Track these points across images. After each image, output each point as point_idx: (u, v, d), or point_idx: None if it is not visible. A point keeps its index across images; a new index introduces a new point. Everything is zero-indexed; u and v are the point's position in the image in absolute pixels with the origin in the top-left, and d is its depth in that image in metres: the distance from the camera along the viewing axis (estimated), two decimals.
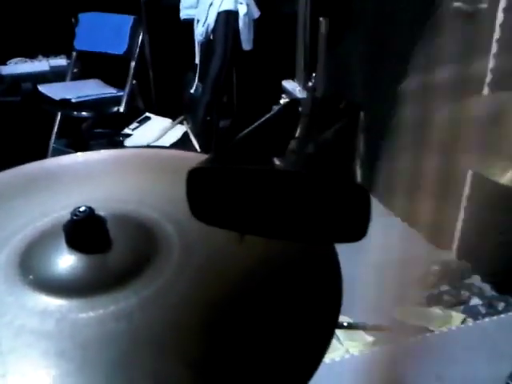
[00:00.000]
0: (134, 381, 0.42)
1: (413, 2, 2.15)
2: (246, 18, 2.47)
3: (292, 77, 2.66)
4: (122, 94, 2.75)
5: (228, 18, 2.43)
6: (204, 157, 0.52)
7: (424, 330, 1.80)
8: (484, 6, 1.78)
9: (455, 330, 1.55)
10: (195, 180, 0.44)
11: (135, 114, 2.72)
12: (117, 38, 2.90)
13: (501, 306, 1.86)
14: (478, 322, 1.67)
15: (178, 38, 2.79)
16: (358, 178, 0.46)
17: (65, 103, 2.54)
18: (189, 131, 2.60)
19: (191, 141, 2.56)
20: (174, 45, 2.85)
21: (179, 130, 2.62)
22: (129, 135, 2.56)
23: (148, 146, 2.43)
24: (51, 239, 0.52)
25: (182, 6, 2.69)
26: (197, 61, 2.60)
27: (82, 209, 0.49)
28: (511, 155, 0.66)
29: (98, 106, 2.64)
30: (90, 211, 0.50)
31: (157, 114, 2.74)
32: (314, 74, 1.82)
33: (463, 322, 1.82)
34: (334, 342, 1.71)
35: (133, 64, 2.86)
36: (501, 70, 1.77)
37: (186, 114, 2.70)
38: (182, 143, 2.55)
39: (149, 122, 2.67)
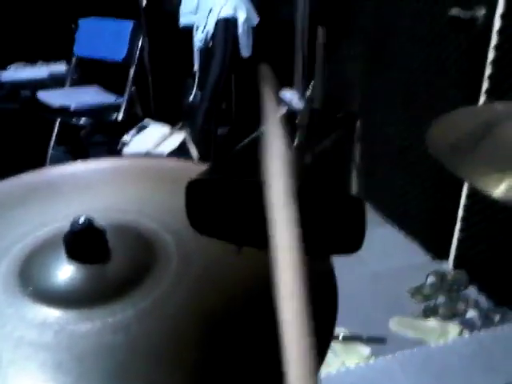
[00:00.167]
0: None
1: (410, 11, 2.16)
2: (245, 24, 2.48)
3: (290, 85, 2.67)
4: (120, 100, 2.76)
5: (227, 25, 2.44)
6: (203, 166, 0.52)
7: (421, 342, 1.80)
8: (481, 12, 1.79)
9: (452, 343, 1.55)
10: (194, 192, 0.45)
11: (134, 121, 2.73)
12: (116, 44, 2.90)
13: (497, 318, 1.86)
14: (474, 334, 1.67)
15: (177, 45, 2.80)
16: (355, 188, 0.46)
17: (64, 110, 2.54)
18: (187, 138, 2.61)
19: (190, 148, 2.56)
20: (173, 51, 2.86)
21: (178, 137, 2.62)
22: (127, 142, 2.57)
23: (147, 154, 2.44)
24: (51, 249, 0.52)
25: (181, 12, 2.70)
26: (196, 68, 2.61)
27: (81, 219, 0.49)
28: (504, 167, 0.66)
29: (96, 113, 2.64)
30: (90, 222, 0.50)
31: (155, 120, 2.75)
32: (311, 83, 1.82)
33: (460, 334, 1.82)
34: (329, 354, 1.70)
35: (132, 70, 2.87)
36: (498, 77, 1.77)
37: (184, 120, 2.70)
38: (181, 150, 2.55)
39: (147, 129, 2.67)
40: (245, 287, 0.52)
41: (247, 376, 0.45)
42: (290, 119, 0.67)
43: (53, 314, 0.46)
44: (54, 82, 2.98)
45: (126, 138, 2.61)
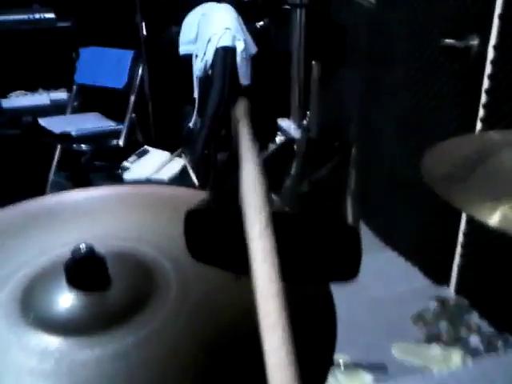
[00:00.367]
0: None
1: (405, 40, 2.19)
2: (244, 53, 2.52)
3: (287, 115, 2.70)
4: (121, 127, 2.78)
5: (226, 54, 2.48)
6: (202, 194, 0.53)
7: (423, 369, 1.78)
8: (475, 42, 1.82)
9: (455, 370, 1.53)
10: (193, 221, 0.45)
11: (134, 147, 2.75)
12: (117, 72, 2.95)
13: (500, 343, 1.84)
14: (477, 361, 1.66)
15: (176, 73, 2.84)
16: (350, 215, 0.47)
17: (65, 136, 2.57)
18: (187, 164, 2.62)
19: (189, 174, 2.58)
20: (173, 79, 2.90)
21: (177, 164, 2.64)
22: (128, 168, 2.58)
23: (147, 180, 2.45)
24: (51, 277, 0.52)
25: (180, 41, 2.74)
26: (195, 95, 2.64)
27: (82, 248, 0.50)
28: (499, 196, 0.67)
29: (97, 139, 2.67)
30: (91, 250, 0.50)
31: (155, 147, 2.77)
32: (308, 113, 1.84)
33: (462, 360, 1.80)
34: (332, 381, 1.68)
35: (132, 98, 2.90)
36: (493, 106, 1.80)
37: (184, 147, 2.72)
38: (180, 176, 2.57)
39: (147, 155, 2.69)
40: (243, 315, 0.53)
41: None
42: (287, 148, 0.68)
43: (53, 341, 0.46)
44: (55, 108, 3.01)
45: (126, 163, 2.63)
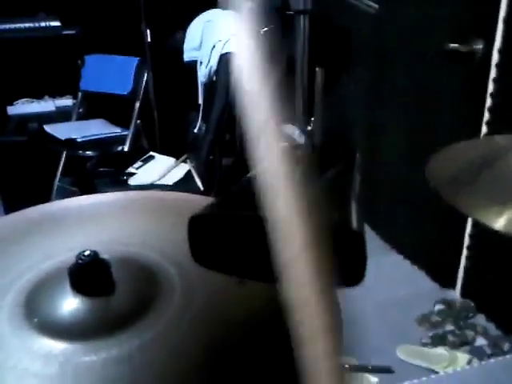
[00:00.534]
0: None
1: (409, 44, 2.19)
2: None
3: (291, 120, 2.71)
4: (126, 133, 2.80)
5: (230, 60, 2.49)
6: (206, 199, 0.53)
7: (429, 372, 1.77)
8: (480, 46, 1.82)
9: (461, 372, 1.53)
10: (196, 226, 0.46)
11: (139, 153, 2.76)
12: (122, 79, 2.96)
13: (506, 346, 1.83)
14: (483, 363, 1.65)
15: (181, 79, 2.86)
16: (355, 221, 0.47)
17: (70, 143, 2.58)
18: (192, 170, 2.63)
19: (194, 179, 2.58)
20: (178, 85, 2.91)
21: (182, 169, 2.65)
22: (133, 174, 2.59)
23: (152, 185, 2.46)
24: (56, 282, 0.52)
25: (185, 48, 2.76)
26: (200, 101, 2.65)
27: (86, 253, 0.50)
28: (505, 200, 0.67)
29: (102, 145, 2.68)
30: (95, 255, 0.51)
31: (161, 153, 2.78)
32: (312, 119, 1.84)
33: (469, 362, 1.79)
34: None
35: (137, 104, 2.91)
36: (498, 110, 1.79)
37: (189, 153, 2.73)
38: (186, 182, 2.57)
39: (153, 161, 2.70)
40: (246, 318, 0.53)
41: None
42: (292, 154, 0.69)
43: (58, 345, 0.47)
44: (61, 115, 3.03)
45: (131, 169, 2.64)
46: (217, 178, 2.64)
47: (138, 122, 2.89)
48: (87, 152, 2.64)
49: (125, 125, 2.85)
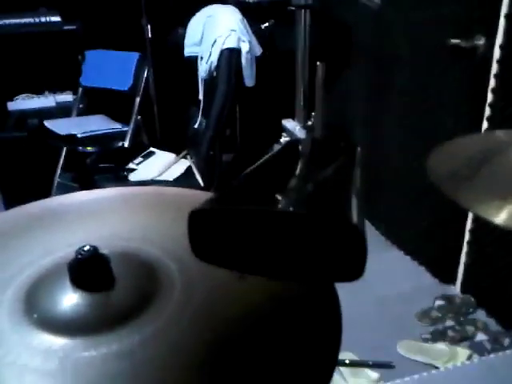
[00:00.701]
0: None
1: (411, 40, 2.19)
2: (249, 55, 2.52)
3: (292, 116, 2.70)
4: (126, 129, 2.79)
5: (231, 56, 2.48)
6: (206, 194, 0.53)
7: (430, 367, 1.78)
8: (482, 42, 1.81)
9: (461, 367, 1.53)
10: (196, 221, 0.46)
11: (140, 149, 2.76)
12: (122, 75, 2.95)
13: (506, 341, 1.83)
14: (483, 358, 1.65)
15: (182, 75, 2.85)
16: (355, 215, 0.46)
17: (70, 138, 2.58)
18: (192, 166, 2.63)
19: (195, 175, 2.58)
20: (178, 81, 2.91)
21: (183, 165, 2.65)
22: (133, 170, 2.59)
23: (152, 181, 2.46)
24: (56, 278, 0.52)
25: (186, 43, 2.75)
26: (200, 97, 2.65)
27: (86, 248, 0.50)
28: (505, 194, 0.67)
29: (102, 141, 2.67)
30: (94, 250, 0.51)
31: (161, 148, 2.78)
32: (313, 113, 1.84)
33: (469, 357, 1.80)
34: (338, 379, 1.68)
35: (137, 100, 2.91)
36: (499, 105, 1.79)
37: (189, 148, 2.73)
38: (186, 177, 2.57)
39: (153, 157, 2.70)
40: (247, 314, 0.53)
41: None
42: (294, 147, 0.68)
43: (57, 341, 0.47)
44: (61, 111, 3.03)
45: (131, 165, 2.64)
46: (217, 174, 2.64)
47: (139, 117, 2.89)
48: (87, 148, 2.64)
49: (125, 120, 2.84)
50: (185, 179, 2.55)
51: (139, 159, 2.68)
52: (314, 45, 2.56)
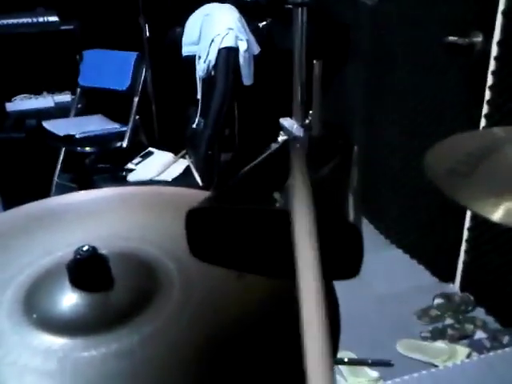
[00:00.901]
0: None
1: (408, 38, 2.19)
2: (247, 54, 2.52)
3: (289, 114, 2.70)
4: (125, 129, 2.79)
5: (229, 55, 2.48)
6: (205, 194, 0.53)
7: (429, 365, 1.78)
8: (479, 39, 1.81)
9: (460, 365, 1.53)
10: (194, 220, 0.46)
11: (138, 149, 2.75)
12: (120, 75, 2.95)
13: (505, 339, 1.84)
14: (483, 356, 1.65)
15: (179, 74, 2.85)
16: (352, 213, 0.47)
17: (69, 139, 2.57)
18: (191, 165, 2.63)
19: (193, 175, 2.58)
20: (176, 80, 2.91)
21: (181, 165, 2.64)
22: (132, 170, 2.59)
23: (151, 181, 2.46)
24: (55, 278, 0.52)
25: (183, 43, 2.75)
26: (198, 96, 2.65)
27: (85, 248, 0.50)
28: (503, 191, 0.67)
29: (101, 141, 2.67)
30: (93, 250, 0.51)
31: (159, 148, 2.77)
32: (310, 112, 1.85)
33: (468, 356, 1.80)
34: (338, 378, 1.68)
35: (136, 100, 2.90)
36: (497, 102, 1.79)
37: (188, 148, 2.73)
38: (185, 177, 2.57)
39: (151, 157, 2.70)
40: (246, 312, 0.53)
41: None
42: (290, 147, 0.68)
43: (57, 341, 0.47)
44: (59, 111, 3.02)
45: (130, 165, 2.63)
46: (216, 174, 2.64)
47: (137, 117, 2.89)
48: (86, 148, 2.64)
49: (123, 120, 2.84)
50: (183, 179, 2.55)
51: (138, 159, 2.68)
52: (312, 43, 2.56)
